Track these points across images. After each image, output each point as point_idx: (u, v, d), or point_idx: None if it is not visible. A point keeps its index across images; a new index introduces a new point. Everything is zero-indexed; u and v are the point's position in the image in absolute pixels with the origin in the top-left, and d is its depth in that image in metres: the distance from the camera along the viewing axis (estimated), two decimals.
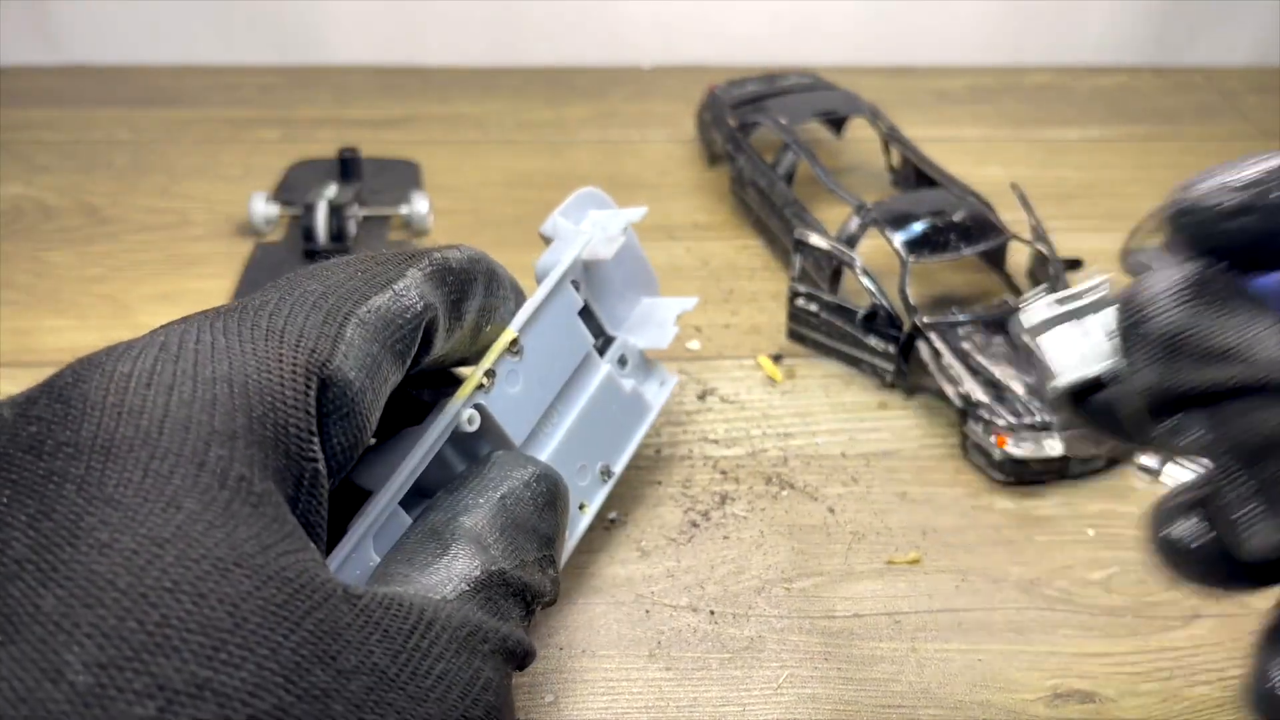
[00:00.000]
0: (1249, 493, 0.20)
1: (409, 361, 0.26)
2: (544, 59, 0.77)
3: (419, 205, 0.57)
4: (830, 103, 0.60)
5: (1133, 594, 0.37)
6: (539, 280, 0.34)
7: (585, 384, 0.35)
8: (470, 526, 0.26)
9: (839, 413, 0.45)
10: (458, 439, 0.30)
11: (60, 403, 0.20)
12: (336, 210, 0.54)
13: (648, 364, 0.40)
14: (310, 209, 0.54)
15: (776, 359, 0.48)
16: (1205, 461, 0.21)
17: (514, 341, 0.31)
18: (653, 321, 0.39)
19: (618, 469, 0.36)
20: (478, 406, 0.30)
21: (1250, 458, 0.20)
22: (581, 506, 0.35)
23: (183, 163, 0.64)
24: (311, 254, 0.54)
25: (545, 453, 0.33)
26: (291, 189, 0.60)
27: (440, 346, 0.28)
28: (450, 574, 0.24)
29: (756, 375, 0.47)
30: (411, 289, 0.26)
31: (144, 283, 0.53)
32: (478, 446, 0.31)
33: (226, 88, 0.73)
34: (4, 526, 0.18)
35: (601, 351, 0.37)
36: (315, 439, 0.22)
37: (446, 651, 0.22)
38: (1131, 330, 0.23)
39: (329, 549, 0.25)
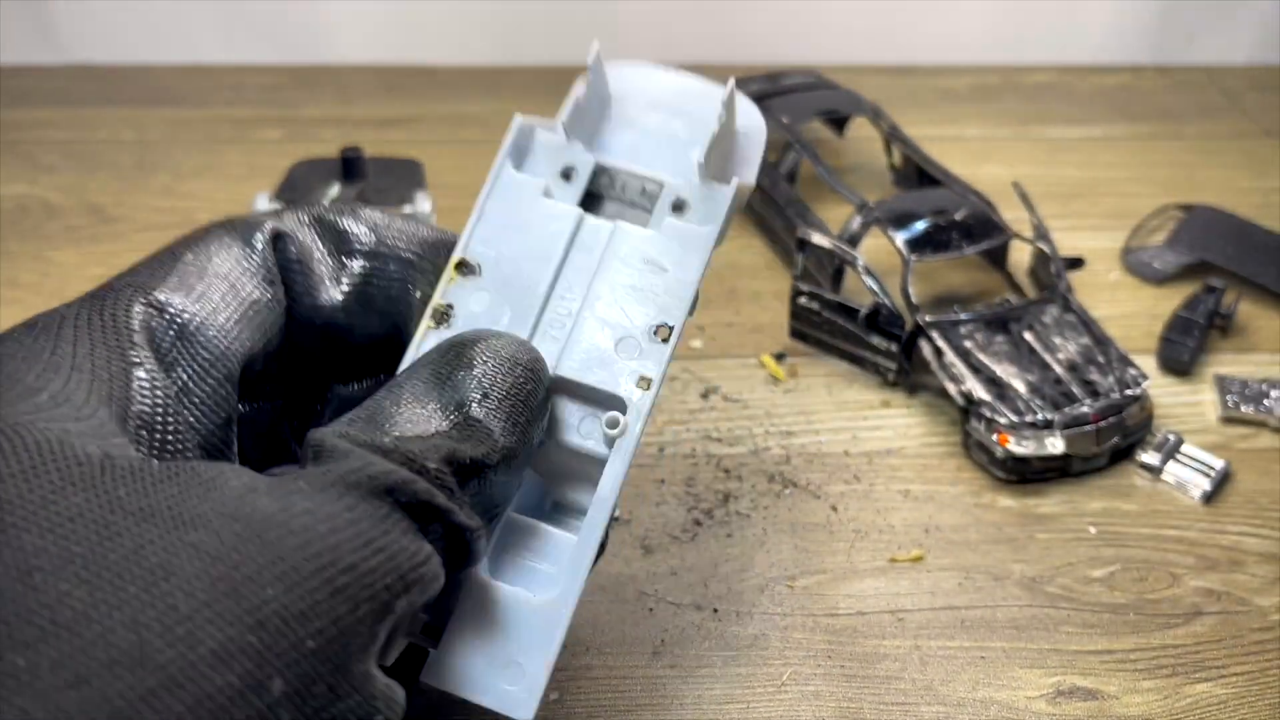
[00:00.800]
0: None
1: (275, 282, 0.26)
2: (547, 58, 0.77)
3: (422, 205, 0.57)
4: (832, 102, 0.61)
5: (1134, 591, 0.37)
6: None
7: (592, 248, 0.28)
8: (350, 413, 0.24)
9: (841, 411, 0.45)
10: None
11: None
12: None
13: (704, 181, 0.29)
14: None
15: (779, 357, 0.48)
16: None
17: (460, 264, 0.27)
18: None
19: (678, 324, 0.27)
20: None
21: None
22: (643, 382, 0.27)
23: (187, 162, 0.64)
24: None
25: (560, 344, 0.27)
26: (294, 188, 0.60)
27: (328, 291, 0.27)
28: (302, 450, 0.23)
29: (759, 374, 0.47)
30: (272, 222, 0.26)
31: None
32: None
33: (230, 87, 0.73)
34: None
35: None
36: (137, 349, 0.22)
37: (245, 493, 0.20)
38: None
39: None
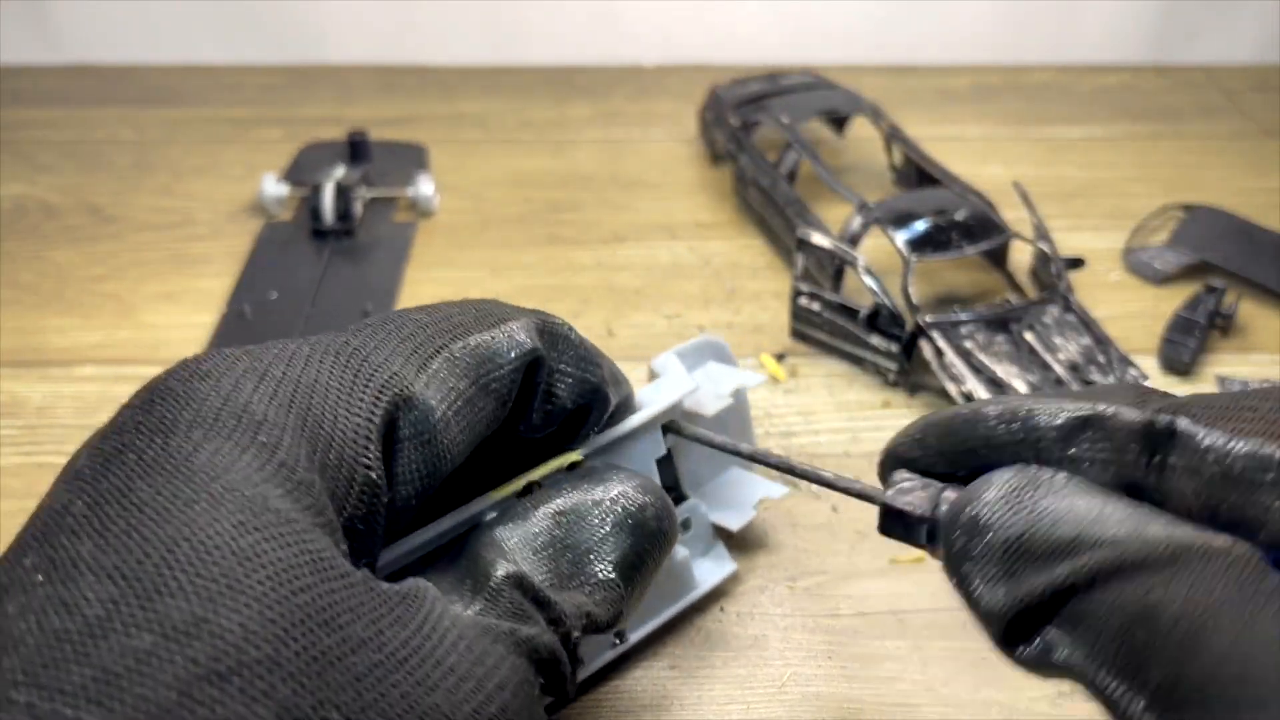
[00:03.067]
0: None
1: (509, 403, 0.26)
2: (546, 58, 0.77)
3: (424, 188, 0.58)
4: (832, 101, 0.60)
5: None
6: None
7: None
8: (503, 537, 0.25)
9: (842, 411, 0.45)
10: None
11: (147, 391, 0.22)
12: (343, 191, 0.56)
13: (712, 539, 0.36)
14: (318, 190, 0.56)
15: (780, 358, 0.48)
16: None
17: (575, 464, 0.29)
18: (734, 500, 0.36)
19: (632, 637, 0.33)
20: None
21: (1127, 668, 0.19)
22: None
23: (185, 162, 0.64)
24: (319, 233, 0.56)
25: None
26: (301, 170, 0.61)
27: (539, 412, 0.27)
28: (469, 579, 0.24)
29: (760, 374, 0.47)
30: (521, 330, 0.26)
31: (147, 282, 0.53)
32: None
33: (228, 87, 0.73)
34: (77, 491, 0.20)
35: None
36: (372, 446, 0.22)
37: (459, 643, 0.21)
38: (964, 549, 0.22)
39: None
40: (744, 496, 0.37)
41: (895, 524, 0.25)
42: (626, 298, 0.52)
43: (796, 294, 0.48)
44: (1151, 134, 0.69)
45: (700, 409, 0.34)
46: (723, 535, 0.36)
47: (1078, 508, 0.21)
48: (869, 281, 0.45)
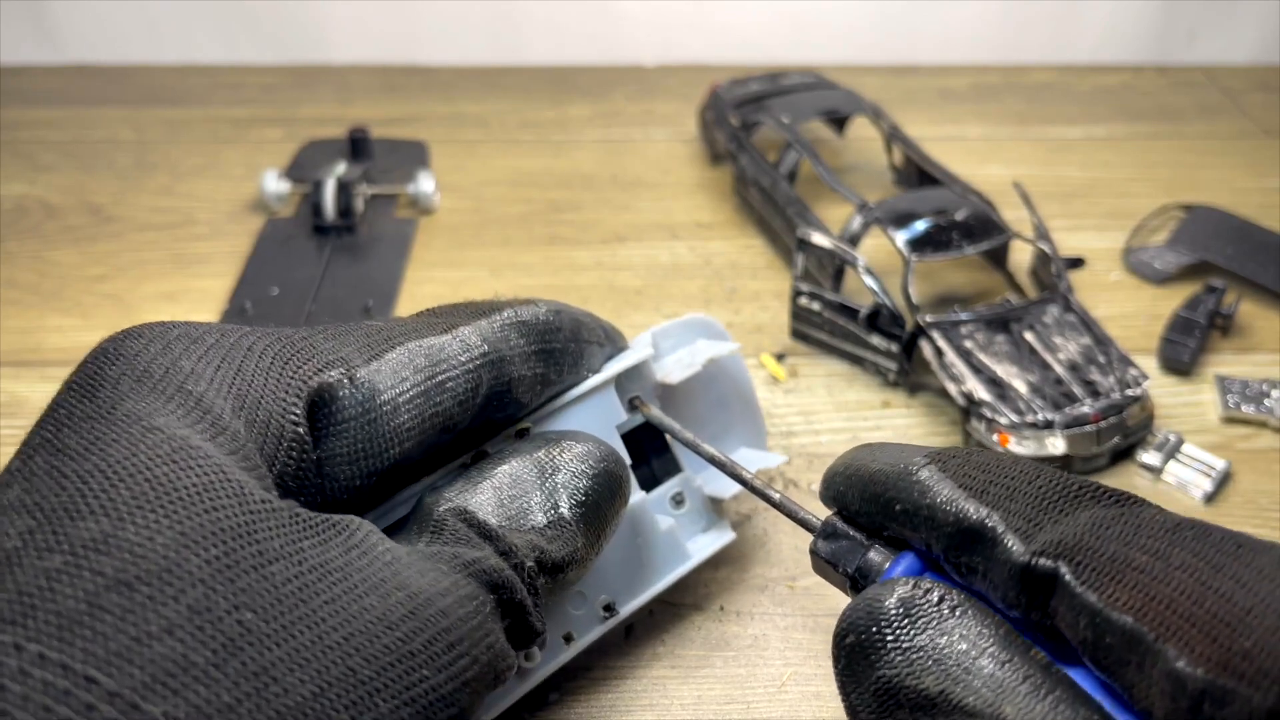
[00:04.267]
0: None
1: (472, 406, 0.27)
2: (546, 58, 0.77)
3: (425, 184, 0.59)
4: (832, 101, 0.60)
5: None
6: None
7: None
8: (451, 491, 0.26)
9: (842, 411, 0.45)
10: None
11: (88, 355, 0.23)
12: (344, 188, 0.56)
13: (708, 512, 0.35)
14: (319, 186, 0.56)
15: (780, 358, 0.48)
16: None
17: (521, 431, 0.29)
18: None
19: (623, 610, 0.32)
20: None
21: None
22: (568, 637, 0.31)
23: (185, 162, 0.64)
24: (320, 229, 0.56)
25: None
26: (302, 167, 0.61)
27: (528, 396, 0.28)
28: (416, 524, 0.25)
29: (760, 374, 0.47)
30: (473, 334, 0.27)
31: (147, 282, 0.53)
32: None
33: (229, 87, 0.73)
34: (18, 452, 0.21)
35: (657, 484, 0.34)
36: (300, 404, 0.23)
37: (394, 562, 0.22)
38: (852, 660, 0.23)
39: None
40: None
41: (821, 565, 0.27)
42: (627, 297, 0.52)
43: (797, 294, 0.48)
44: (1152, 134, 0.69)
45: (667, 377, 0.34)
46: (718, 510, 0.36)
47: (952, 653, 0.21)
48: (869, 281, 0.45)
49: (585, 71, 0.76)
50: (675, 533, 0.33)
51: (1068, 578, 0.21)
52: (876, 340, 0.46)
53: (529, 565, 0.25)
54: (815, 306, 0.47)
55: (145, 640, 0.17)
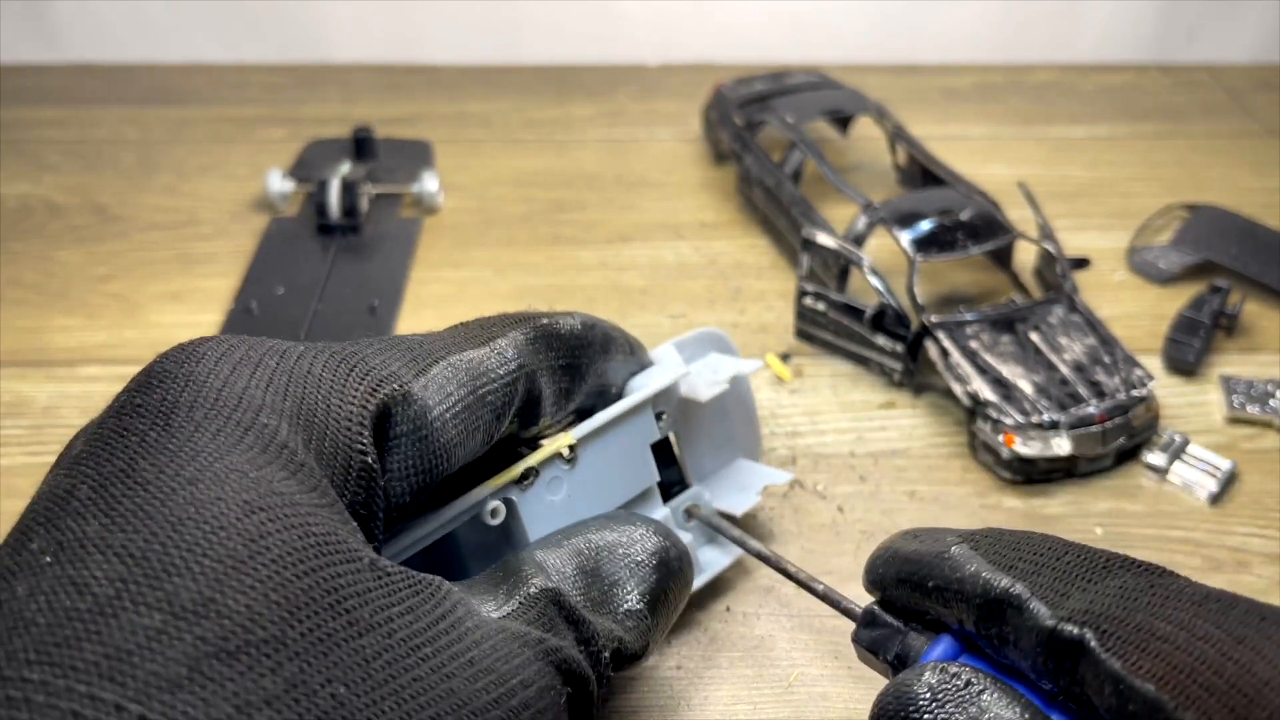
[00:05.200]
0: None
1: (507, 418, 0.27)
2: (549, 57, 0.77)
3: (429, 184, 0.59)
4: (836, 101, 0.60)
5: None
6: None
7: None
8: (542, 558, 0.26)
9: (847, 411, 0.45)
10: (478, 529, 0.29)
11: (144, 374, 0.22)
12: (349, 187, 0.56)
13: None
14: (324, 185, 0.56)
15: (784, 358, 0.48)
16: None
17: (571, 447, 0.30)
18: (737, 485, 0.37)
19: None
20: (507, 501, 0.29)
21: None
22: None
23: (190, 161, 0.64)
24: (325, 229, 0.56)
25: None
26: (307, 166, 0.61)
27: (551, 409, 0.29)
28: (504, 588, 0.25)
29: (764, 374, 0.47)
30: (509, 348, 0.27)
31: (152, 281, 0.53)
32: (498, 546, 0.29)
33: (232, 86, 0.73)
34: (80, 474, 0.20)
35: (671, 496, 0.34)
36: (366, 432, 0.23)
37: (483, 640, 0.22)
38: None
39: None
40: (748, 483, 0.37)
41: (863, 654, 0.28)
42: (632, 298, 0.52)
43: (801, 294, 0.48)
44: (1155, 133, 0.69)
45: (696, 394, 0.34)
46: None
47: None
48: (874, 281, 0.45)
49: (588, 71, 0.76)
50: (692, 549, 0.34)
51: (1093, 644, 0.21)
52: (881, 340, 0.46)
53: (605, 657, 0.25)
54: (820, 306, 0.47)
55: (245, 709, 0.17)
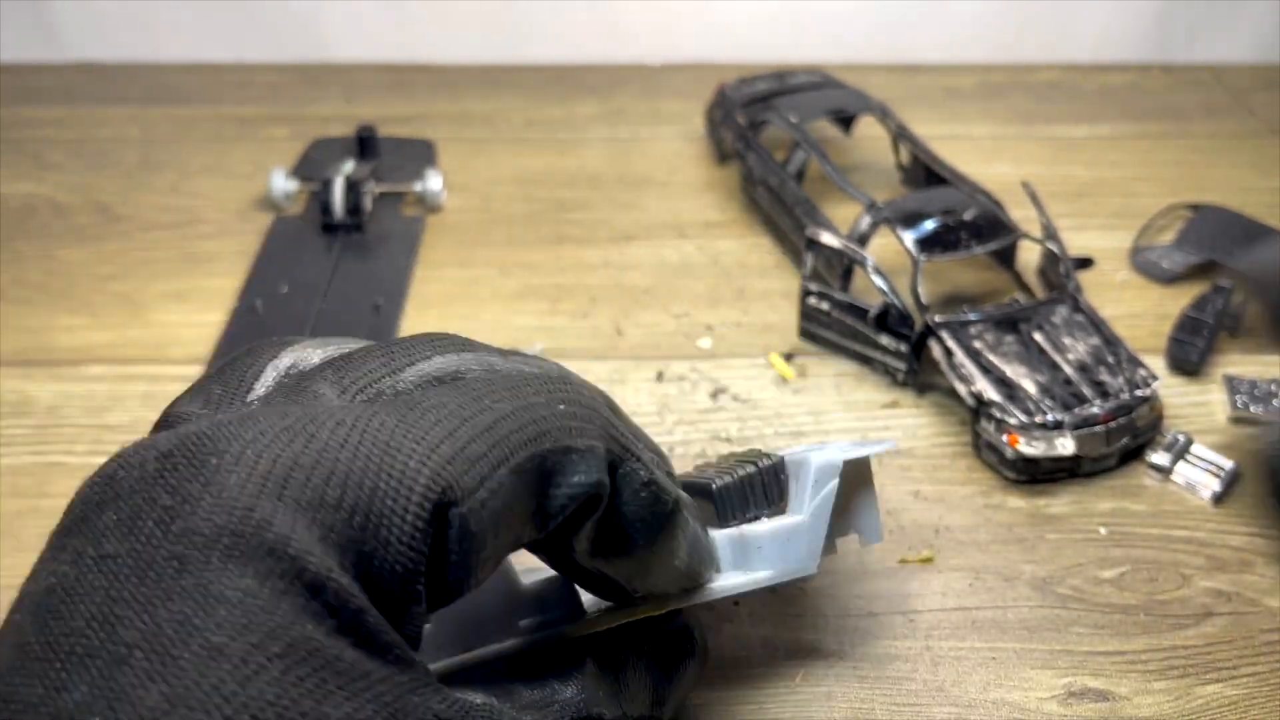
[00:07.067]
0: None
1: (548, 530, 0.23)
2: (553, 57, 0.77)
3: (432, 183, 0.59)
4: (840, 100, 0.60)
5: (1144, 592, 0.37)
6: None
7: None
8: (593, 671, 0.26)
9: (851, 411, 0.45)
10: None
11: (199, 484, 0.19)
12: (353, 186, 0.56)
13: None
14: (327, 184, 0.56)
15: (788, 357, 0.48)
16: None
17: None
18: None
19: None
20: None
21: None
22: None
23: (193, 160, 0.64)
24: (329, 228, 0.56)
25: None
26: (310, 165, 0.61)
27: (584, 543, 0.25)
28: (554, 698, 0.25)
29: (768, 374, 0.47)
30: (594, 462, 0.23)
31: (156, 280, 0.53)
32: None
33: (235, 85, 0.73)
34: (122, 603, 0.18)
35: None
36: (420, 581, 0.20)
37: None
38: None
39: None
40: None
41: None
42: (635, 297, 0.52)
43: (805, 293, 0.48)
44: (1158, 133, 0.69)
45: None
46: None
47: None
48: (878, 281, 0.45)
49: (591, 70, 0.76)
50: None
51: None
52: (885, 340, 0.46)
53: None
54: (824, 306, 0.47)
55: None
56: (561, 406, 0.23)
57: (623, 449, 0.24)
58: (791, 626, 0.36)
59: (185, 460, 0.19)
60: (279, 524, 0.18)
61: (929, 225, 0.47)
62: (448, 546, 0.20)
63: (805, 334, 0.49)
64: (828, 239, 0.47)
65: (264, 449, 0.19)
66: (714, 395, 0.46)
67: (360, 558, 0.19)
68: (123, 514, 0.19)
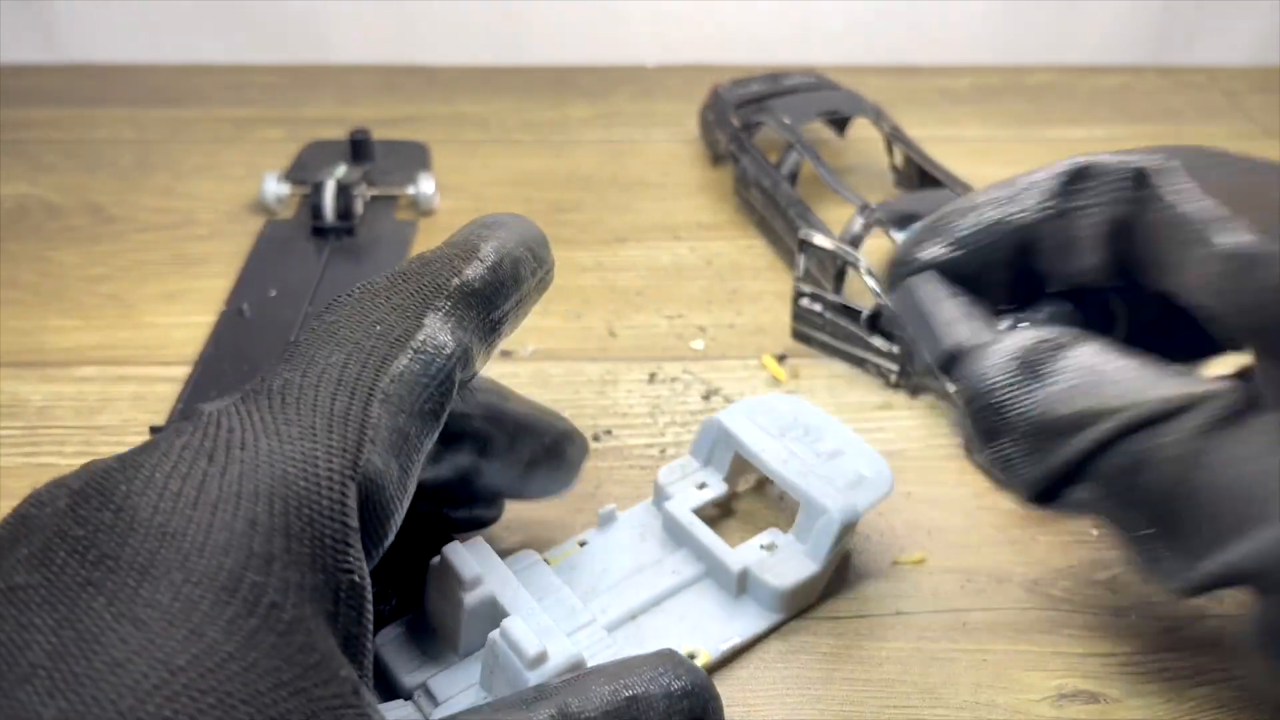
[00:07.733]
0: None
1: (444, 414, 0.24)
2: (547, 58, 0.77)
3: (425, 186, 0.59)
4: (833, 102, 0.60)
5: (1136, 594, 0.37)
6: None
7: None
8: (576, 706, 0.23)
9: (843, 413, 0.45)
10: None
11: (110, 511, 0.19)
12: (344, 189, 0.56)
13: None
14: (319, 188, 0.56)
15: (781, 359, 0.48)
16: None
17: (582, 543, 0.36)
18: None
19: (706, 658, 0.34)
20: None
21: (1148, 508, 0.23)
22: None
23: (187, 162, 0.64)
24: (319, 231, 0.56)
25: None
26: (303, 168, 0.61)
27: (480, 366, 0.26)
28: None
29: (761, 375, 0.47)
30: (430, 341, 0.24)
31: (149, 282, 0.53)
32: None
33: (230, 87, 0.73)
34: (31, 629, 0.18)
35: None
36: (351, 549, 0.21)
37: None
38: (990, 427, 0.25)
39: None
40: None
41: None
42: (628, 298, 0.52)
43: (798, 295, 0.48)
44: (1152, 135, 0.69)
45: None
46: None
47: (1094, 374, 0.23)
48: (871, 283, 0.45)
49: (585, 72, 0.76)
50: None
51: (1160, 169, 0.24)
52: (878, 342, 0.46)
53: None
54: (817, 308, 0.47)
55: None
56: (379, 324, 0.24)
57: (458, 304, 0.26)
58: (780, 630, 0.35)
59: (95, 492, 0.20)
60: (192, 534, 0.19)
61: None
62: (361, 502, 0.21)
63: (798, 336, 0.49)
64: (820, 241, 0.47)
65: (171, 468, 0.20)
66: (706, 397, 0.46)
67: (287, 546, 0.20)
68: (34, 548, 0.19)
